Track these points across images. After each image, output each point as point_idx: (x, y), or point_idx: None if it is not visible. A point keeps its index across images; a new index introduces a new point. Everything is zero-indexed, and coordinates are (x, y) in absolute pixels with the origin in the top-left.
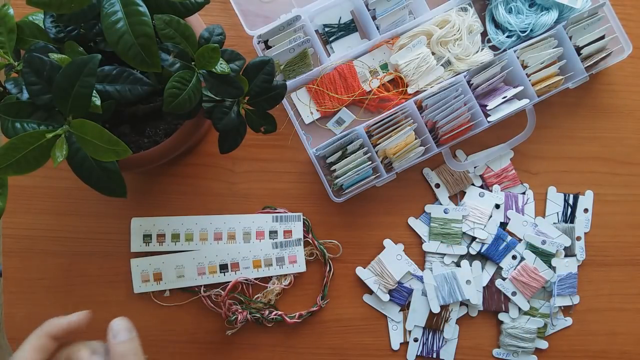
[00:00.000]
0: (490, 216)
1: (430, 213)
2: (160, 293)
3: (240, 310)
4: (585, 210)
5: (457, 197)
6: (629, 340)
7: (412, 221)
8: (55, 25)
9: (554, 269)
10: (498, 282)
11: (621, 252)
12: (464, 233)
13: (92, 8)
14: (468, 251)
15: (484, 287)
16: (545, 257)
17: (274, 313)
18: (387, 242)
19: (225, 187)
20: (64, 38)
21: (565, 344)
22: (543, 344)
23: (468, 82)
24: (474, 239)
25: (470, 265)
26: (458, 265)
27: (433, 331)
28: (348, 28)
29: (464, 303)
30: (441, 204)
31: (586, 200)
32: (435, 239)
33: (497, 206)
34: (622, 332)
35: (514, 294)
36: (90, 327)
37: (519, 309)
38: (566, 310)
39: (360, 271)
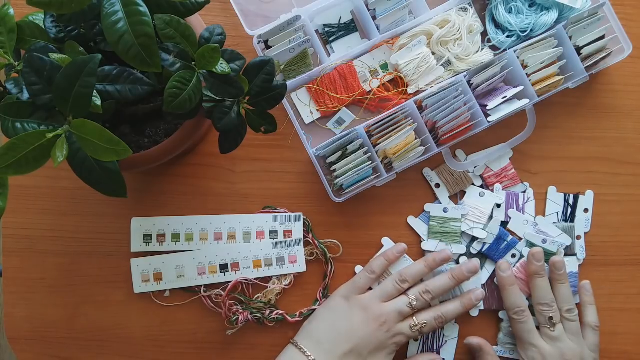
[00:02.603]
0: (491, 216)
1: (429, 212)
2: (161, 293)
3: (241, 311)
4: (586, 210)
5: (457, 197)
6: (629, 340)
7: (411, 220)
8: (56, 25)
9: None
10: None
11: (621, 252)
12: (463, 232)
13: (92, 8)
14: (469, 251)
15: (483, 285)
16: (546, 256)
17: (275, 312)
18: (386, 241)
19: (225, 187)
20: (64, 38)
21: None
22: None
23: (468, 82)
24: (475, 238)
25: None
26: (457, 262)
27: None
28: (348, 28)
29: None
30: (441, 204)
31: (586, 200)
32: (434, 238)
33: (498, 205)
34: (622, 332)
35: None
36: (89, 327)
37: None
38: None
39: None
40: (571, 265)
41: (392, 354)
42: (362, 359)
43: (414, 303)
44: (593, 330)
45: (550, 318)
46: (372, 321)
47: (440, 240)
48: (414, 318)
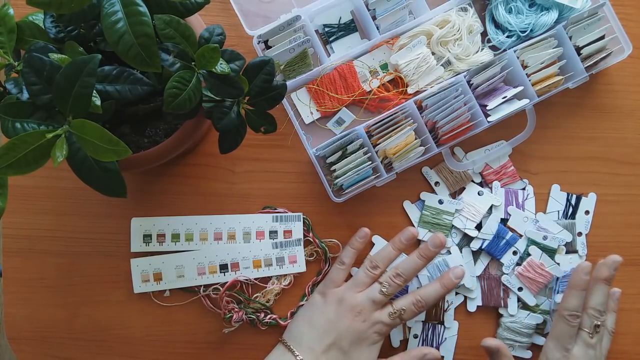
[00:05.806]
0: (489, 215)
1: (424, 200)
2: (160, 293)
3: (236, 310)
4: (587, 212)
5: (456, 194)
6: (628, 340)
7: (407, 204)
8: (55, 25)
9: (558, 265)
10: (504, 278)
11: (621, 252)
12: (455, 227)
13: (92, 8)
14: (470, 248)
15: (482, 280)
16: (548, 252)
17: (268, 317)
18: (376, 239)
19: (225, 187)
20: (64, 38)
21: None
22: (541, 340)
23: (468, 82)
24: (472, 238)
25: (461, 252)
26: (448, 252)
27: (433, 327)
28: (348, 28)
29: (461, 293)
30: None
31: (589, 202)
32: (424, 227)
33: (496, 206)
34: (622, 332)
35: (520, 289)
36: (89, 327)
37: (517, 302)
38: None
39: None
40: (574, 262)
41: (376, 344)
42: (344, 351)
43: (385, 289)
44: (609, 335)
45: (597, 326)
46: (347, 312)
47: (430, 231)
48: (392, 305)
